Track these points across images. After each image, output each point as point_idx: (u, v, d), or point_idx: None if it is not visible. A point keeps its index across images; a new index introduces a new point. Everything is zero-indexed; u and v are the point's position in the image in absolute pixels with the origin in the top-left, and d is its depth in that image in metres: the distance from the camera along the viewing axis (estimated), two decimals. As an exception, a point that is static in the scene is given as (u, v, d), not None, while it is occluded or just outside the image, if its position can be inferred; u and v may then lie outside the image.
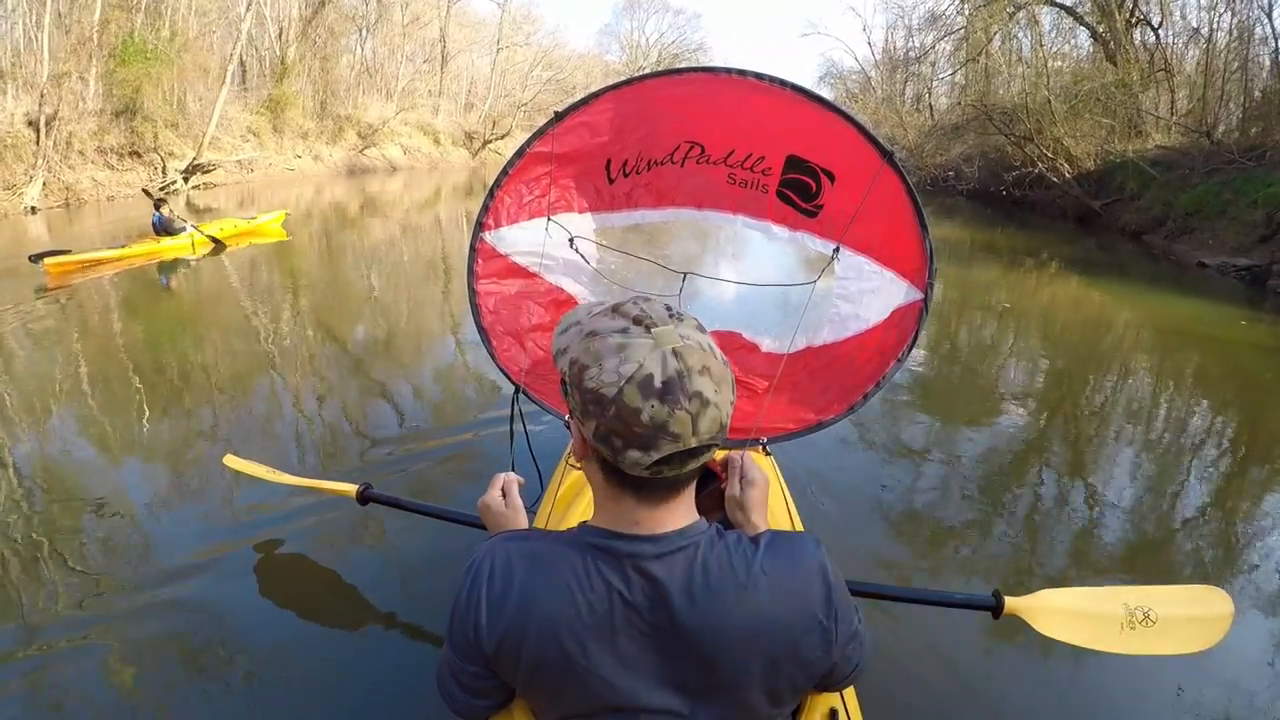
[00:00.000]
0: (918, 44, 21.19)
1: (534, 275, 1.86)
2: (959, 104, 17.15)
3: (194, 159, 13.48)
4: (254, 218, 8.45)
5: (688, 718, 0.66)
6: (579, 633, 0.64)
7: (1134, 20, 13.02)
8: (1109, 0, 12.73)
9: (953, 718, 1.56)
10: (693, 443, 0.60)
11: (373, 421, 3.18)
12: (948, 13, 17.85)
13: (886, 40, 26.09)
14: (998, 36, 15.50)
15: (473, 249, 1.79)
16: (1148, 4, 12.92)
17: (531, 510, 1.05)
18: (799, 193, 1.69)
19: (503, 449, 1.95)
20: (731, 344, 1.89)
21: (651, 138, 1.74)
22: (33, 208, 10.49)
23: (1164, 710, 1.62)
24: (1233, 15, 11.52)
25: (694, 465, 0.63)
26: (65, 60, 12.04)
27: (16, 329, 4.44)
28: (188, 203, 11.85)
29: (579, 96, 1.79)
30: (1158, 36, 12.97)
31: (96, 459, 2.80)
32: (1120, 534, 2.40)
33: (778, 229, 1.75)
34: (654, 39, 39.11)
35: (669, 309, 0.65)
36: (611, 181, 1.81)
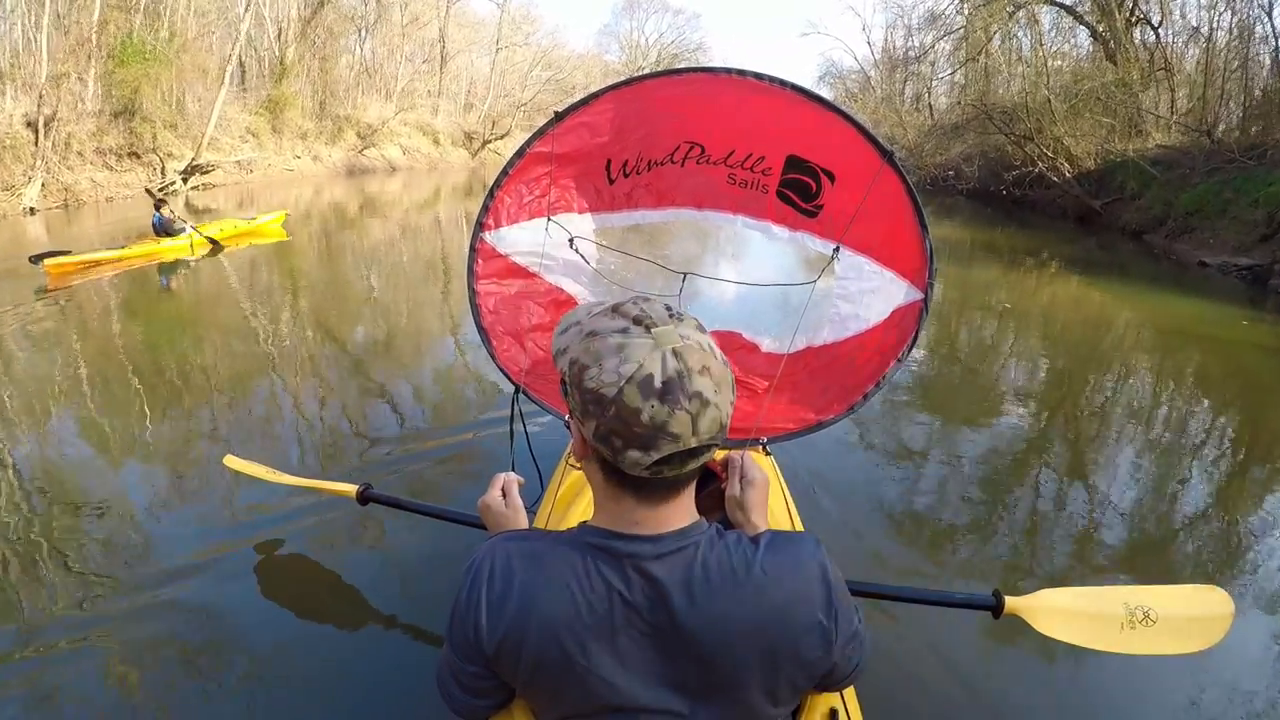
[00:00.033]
0: (917, 43, 21.24)
1: (534, 275, 1.86)
2: (959, 103, 17.16)
3: (193, 160, 13.48)
4: (254, 218, 8.45)
5: (688, 718, 0.66)
6: (579, 633, 0.64)
7: (1134, 19, 13.03)
8: (1109, -1, 12.74)
9: (953, 718, 1.56)
10: (693, 443, 0.60)
11: (373, 422, 3.18)
12: (947, 12, 17.87)
13: (886, 40, 26.14)
14: (997, 36, 15.50)
15: (473, 249, 1.79)
16: (1147, 3, 12.93)
17: (531, 510, 1.05)
18: (799, 193, 1.69)
19: (503, 449, 1.95)
20: (731, 344, 1.89)
21: (652, 138, 1.74)
22: (31, 209, 10.49)
23: (1164, 710, 1.62)
24: (1233, 14, 11.54)
25: (694, 465, 0.63)
26: (64, 61, 12.03)
27: (17, 330, 4.44)
28: (186, 203, 11.85)
29: (578, 96, 1.79)
30: (1158, 35, 12.98)
31: (97, 460, 2.80)
32: (1120, 534, 2.40)
33: (778, 229, 1.75)
34: (653, 39, 39.15)
35: (669, 309, 0.65)
36: (612, 182, 1.81)
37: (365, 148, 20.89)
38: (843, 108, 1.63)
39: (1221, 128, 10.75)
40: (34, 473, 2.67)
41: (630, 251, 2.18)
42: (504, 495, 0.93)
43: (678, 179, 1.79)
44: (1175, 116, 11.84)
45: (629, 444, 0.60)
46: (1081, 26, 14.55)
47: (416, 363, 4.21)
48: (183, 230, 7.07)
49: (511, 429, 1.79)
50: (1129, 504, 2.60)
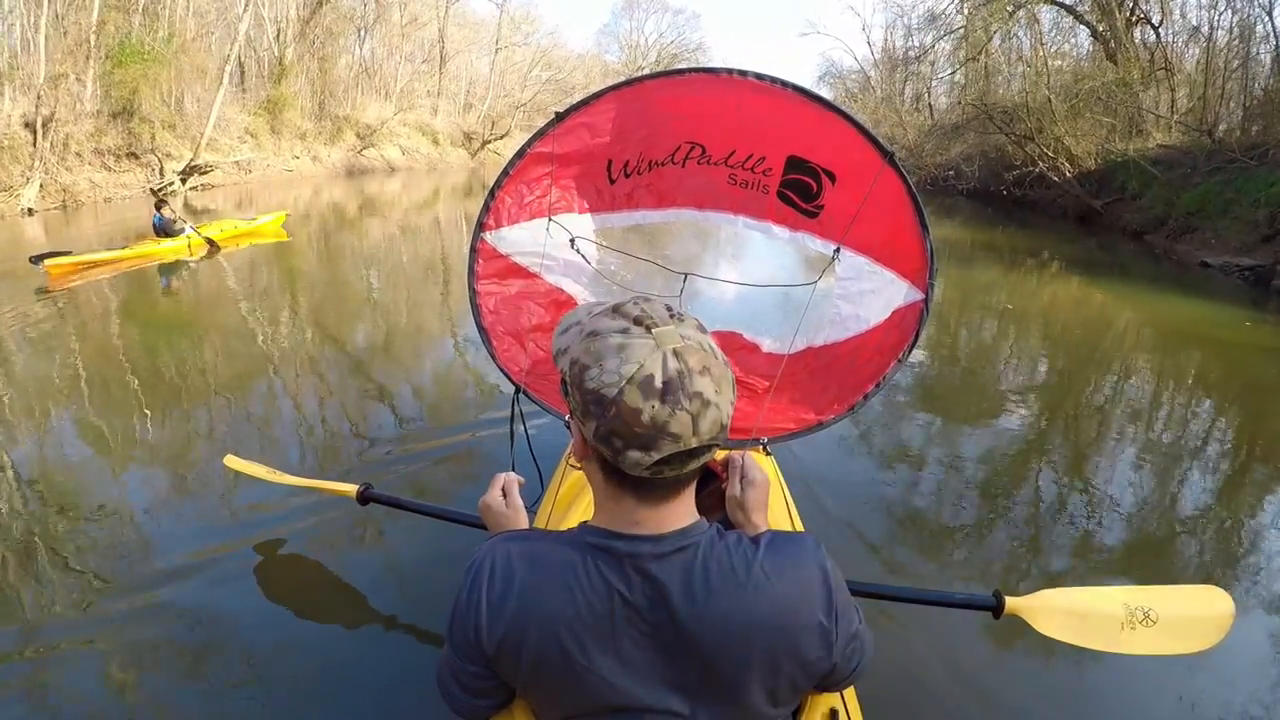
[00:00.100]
0: (917, 43, 21.22)
1: (534, 275, 1.86)
2: (959, 103, 17.15)
3: (191, 160, 13.47)
4: (254, 219, 8.45)
5: (688, 718, 0.66)
6: (579, 633, 0.64)
7: (1134, 19, 13.03)
8: (1109, -1, 12.73)
9: (953, 718, 1.56)
10: (693, 443, 0.60)
11: (373, 422, 3.18)
12: (947, 12, 17.86)
13: (886, 40, 26.12)
14: (997, 35, 15.50)
15: (473, 249, 1.79)
16: (1148, 2, 12.93)
17: (532, 510, 1.05)
18: (800, 193, 1.69)
19: (503, 449, 1.95)
20: (732, 344, 1.90)
21: (652, 138, 1.74)
22: (30, 209, 10.49)
23: (1164, 710, 1.62)
24: (1233, 13, 11.55)
25: (694, 465, 0.63)
26: (62, 61, 12.03)
27: (17, 330, 4.43)
28: (185, 204, 11.84)
29: (578, 97, 1.79)
30: (1158, 35, 12.98)
31: (97, 460, 2.80)
32: (1121, 534, 2.40)
33: (778, 230, 1.75)
34: (653, 39, 39.15)
35: (669, 309, 0.65)
36: (612, 182, 1.81)
37: (364, 148, 20.89)
38: (843, 108, 1.63)
39: (1223, 127, 10.75)
40: (34, 473, 2.67)
41: (631, 252, 2.18)
42: (504, 495, 0.93)
43: (679, 179, 1.80)
44: (1176, 116, 11.84)
45: (629, 444, 0.60)
46: (1082, 26, 14.55)
47: (416, 363, 4.20)
48: (183, 231, 7.06)
49: (512, 429, 1.79)
50: (1129, 504, 2.60)
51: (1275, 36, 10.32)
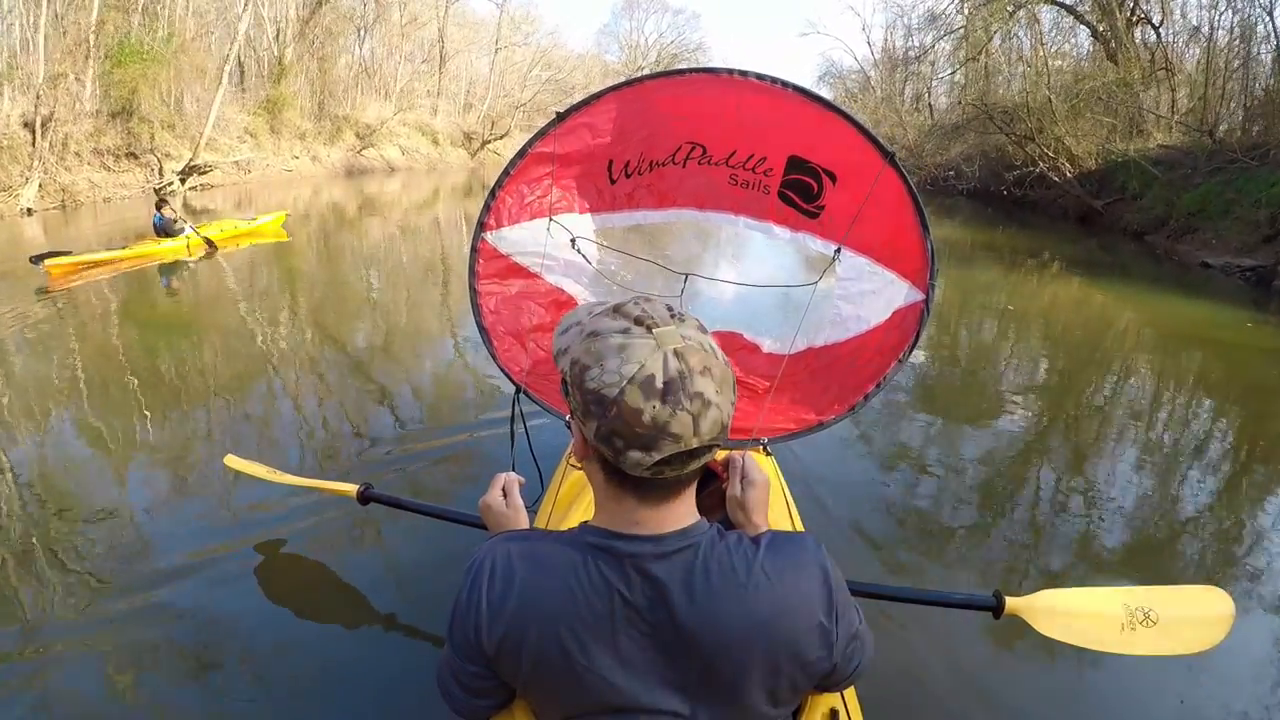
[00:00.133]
0: (917, 43, 21.22)
1: (535, 276, 1.86)
2: (959, 103, 17.15)
3: (190, 160, 13.47)
4: (254, 219, 8.45)
5: (688, 718, 0.66)
6: (579, 633, 0.64)
7: (1135, 19, 13.02)
8: (1109, -1, 12.73)
9: (953, 718, 1.56)
10: (694, 443, 0.60)
11: (373, 422, 3.18)
12: (947, 12, 17.86)
13: (886, 39, 26.08)
14: (997, 35, 15.50)
15: (474, 249, 1.79)
16: (1148, 2, 12.93)
17: (532, 510, 1.05)
18: (800, 193, 1.69)
19: (503, 449, 1.95)
20: (732, 344, 1.90)
21: (653, 138, 1.74)
22: (29, 209, 10.48)
23: (1164, 711, 1.62)
24: (1234, 13, 11.54)
25: (695, 466, 0.63)
26: (61, 61, 12.02)
27: (17, 330, 4.43)
28: (185, 204, 11.84)
29: (578, 97, 1.79)
30: (1158, 35, 12.98)
31: (97, 461, 2.79)
32: (1121, 534, 2.40)
33: (779, 230, 1.75)
34: (653, 39, 39.14)
35: (670, 309, 0.65)
36: (613, 182, 1.81)
37: (364, 148, 20.88)
38: (844, 108, 1.63)
39: (1223, 127, 10.75)
40: (34, 473, 2.67)
41: (631, 252, 2.18)
42: (505, 495, 0.93)
43: (679, 179, 1.80)
44: (1176, 116, 11.84)
45: (630, 444, 0.60)
46: (1082, 26, 14.55)
47: (417, 363, 4.20)
48: (183, 231, 7.06)
49: (512, 429, 1.79)
50: (1130, 504, 2.59)
51: (1276, 36, 10.33)
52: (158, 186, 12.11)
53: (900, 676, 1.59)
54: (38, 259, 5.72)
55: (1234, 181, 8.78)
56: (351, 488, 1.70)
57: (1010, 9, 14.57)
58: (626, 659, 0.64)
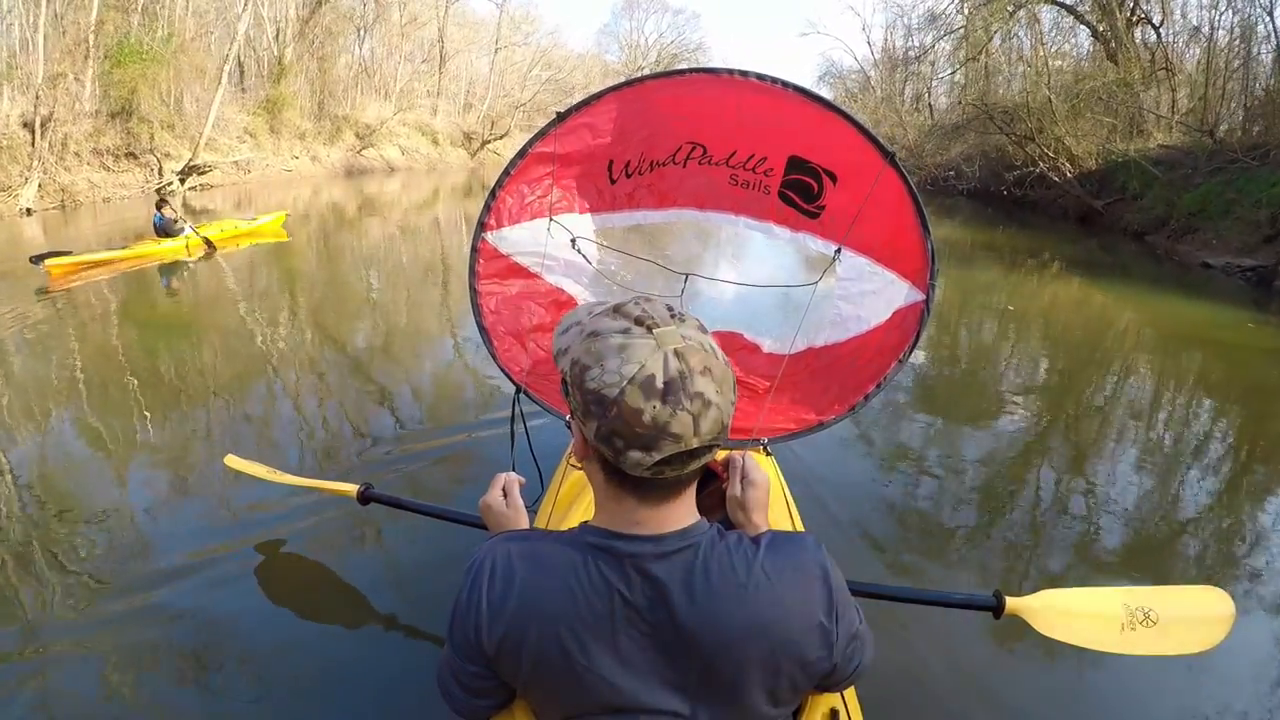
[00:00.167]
0: (917, 43, 21.22)
1: (535, 276, 1.86)
2: (959, 103, 17.15)
3: (190, 160, 13.47)
4: (254, 219, 8.45)
5: (688, 718, 0.66)
6: (579, 633, 0.64)
7: (1135, 19, 13.02)
8: (1109, -1, 12.73)
9: (954, 718, 1.56)
10: (694, 443, 0.60)
11: (373, 422, 3.18)
12: (947, 12, 17.85)
13: (886, 39, 26.08)
14: (997, 35, 15.49)
15: (474, 249, 1.79)
16: (1148, 2, 12.93)
17: (532, 510, 1.05)
18: (801, 193, 1.69)
19: (503, 449, 1.95)
20: (733, 344, 1.90)
21: (654, 138, 1.74)
22: (28, 209, 10.48)
23: (1164, 712, 1.62)
24: (1234, 13, 11.55)
25: (695, 466, 0.63)
26: (60, 61, 12.01)
27: (17, 330, 4.43)
28: (184, 204, 11.84)
29: (578, 97, 1.80)
30: (1159, 35, 12.97)
31: (97, 461, 2.79)
32: (1121, 534, 2.40)
33: (780, 230, 1.75)
34: (653, 39, 39.14)
35: (670, 309, 0.65)
36: (614, 182, 1.81)
37: (364, 148, 20.88)
38: (844, 109, 1.63)
39: (1224, 127, 10.74)
40: (34, 474, 2.67)
41: (631, 252, 2.18)
42: (505, 495, 0.93)
43: (680, 179, 1.80)
44: (1177, 116, 11.83)
45: (630, 444, 0.60)
46: (1082, 26, 14.55)
47: (416, 363, 4.20)
48: (183, 231, 7.06)
49: (513, 429, 1.79)
50: (1130, 505, 2.59)
51: (1276, 36, 10.33)
52: (159, 186, 12.11)
53: (900, 676, 1.59)
54: (38, 259, 5.71)
55: (1234, 181, 8.78)
56: (351, 488, 1.70)
57: (1010, 9, 14.57)
58: (626, 659, 0.64)
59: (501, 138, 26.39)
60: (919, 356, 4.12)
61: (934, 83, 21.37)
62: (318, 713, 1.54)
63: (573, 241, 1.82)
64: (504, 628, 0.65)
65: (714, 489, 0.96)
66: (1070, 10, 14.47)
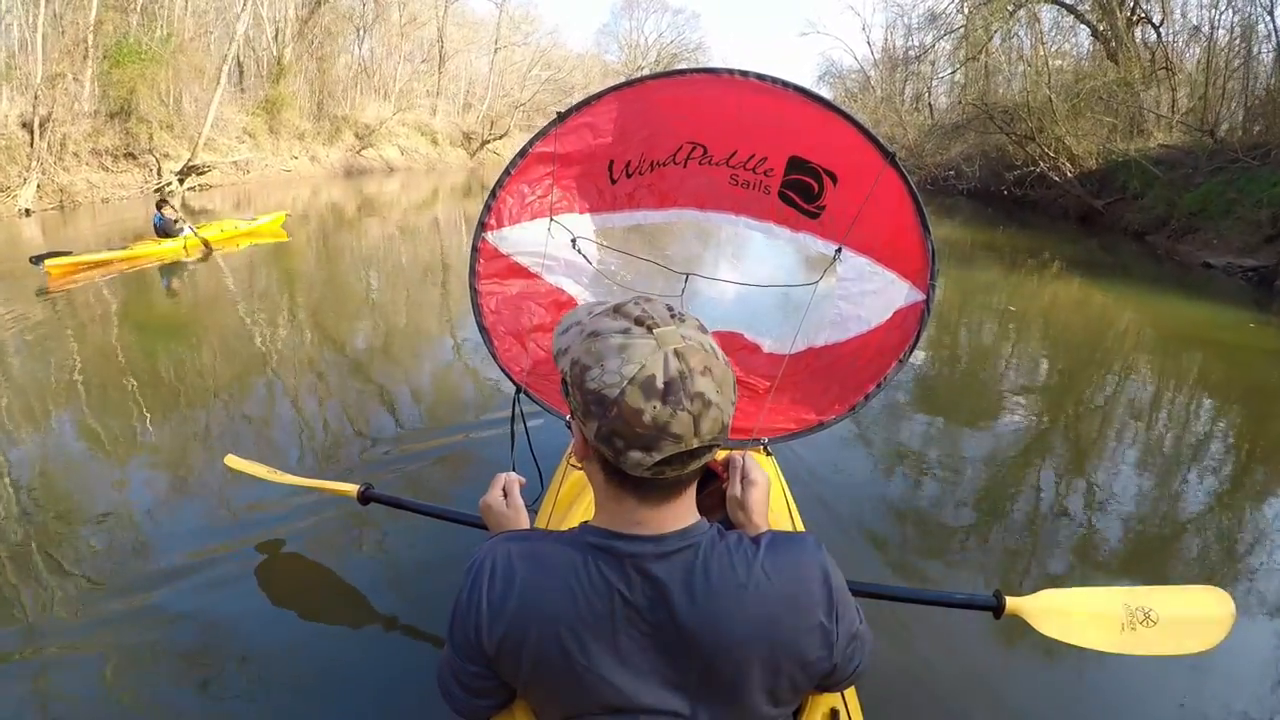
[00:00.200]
0: (917, 43, 21.20)
1: (535, 276, 1.86)
2: (959, 103, 17.15)
3: (189, 160, 13.45)
4: (254, 219, 8.45)
5: (688, 718, 0.66)
6: (580, 633, 0.64)
7: (1135, 18, 13.02)
8: (1109, -2, 12.73)
9: (954, 718, 1.56)
10: (695, 443, 0.60)
11: (373, 422, 3.18)
12: (947, 11, 17.84)
13: (886, 39, 26.06)
14: (998, 35, 15.49)
15: (475, 249, 1.79)
16: (1148, 2, 12.93)
17: (532, 510, 1.05)
18: (801, 194, 1.69)
19: (503, 449, 1.95)
20: (733, 345, 1.90)
21: (654, 139, 1.74)
22: (27, 210, 10.47)
23: (1164, 712, 1.62)
24: (1234, 12, 11.55)
25: (696, 466, 0.63)
26: (59, 61, 12.00)
27: (17, 331, 4.43)
28: (183, 204, 11.84)
29: (578, 97, 1.80)
30: (1159, 34, 12.97)
31: (97, 462, 2.79)
32: (1122, 534, 2.40)
33: (780, 230, 1.75)
34: (652, 38, 39.12)
35: (670, 309, 0.65)
36: (614, 182, 1.81)
37: (363, 148, 20.87)
38: (845, 109, 1.63)
39: (1224, 127, 10.74)
40: (34, 475, 2.67)
41: (632, 252, 2.18)
42: (505, 495, 0.93)
43: (680, 179, 1.80)
44: (1177, 116, 11.83)
45: (631, 445, 0.60)
46: (1082, 25, 14.55)
47: (416, 363, 4.20)
48: (183, 231, 7.06)
49: (513, 429, 1.79)
50: (1131, 505, 2.60)
51: (1276, 35, 10.33)
52: (158, 187, 12.10)
53: (900, 676, 1.59)
54: (38, 259, 5.71)
55: (1235, 181, 8.77)
56: (352, 488, 1.70)
57: (1010, 8, 14.57)
58: (627, 659, 0.64)
59: (501, 138, 26.37)
60: (919, 356, 4.12)
61: (934, 82, 21.39)
62: (318, 713, 1.54)
63: (573, 241, 1.82)
64: (504, 628, 0.65)
65: (714, 489, 0.96)
66: (1070, 9, 14.47)
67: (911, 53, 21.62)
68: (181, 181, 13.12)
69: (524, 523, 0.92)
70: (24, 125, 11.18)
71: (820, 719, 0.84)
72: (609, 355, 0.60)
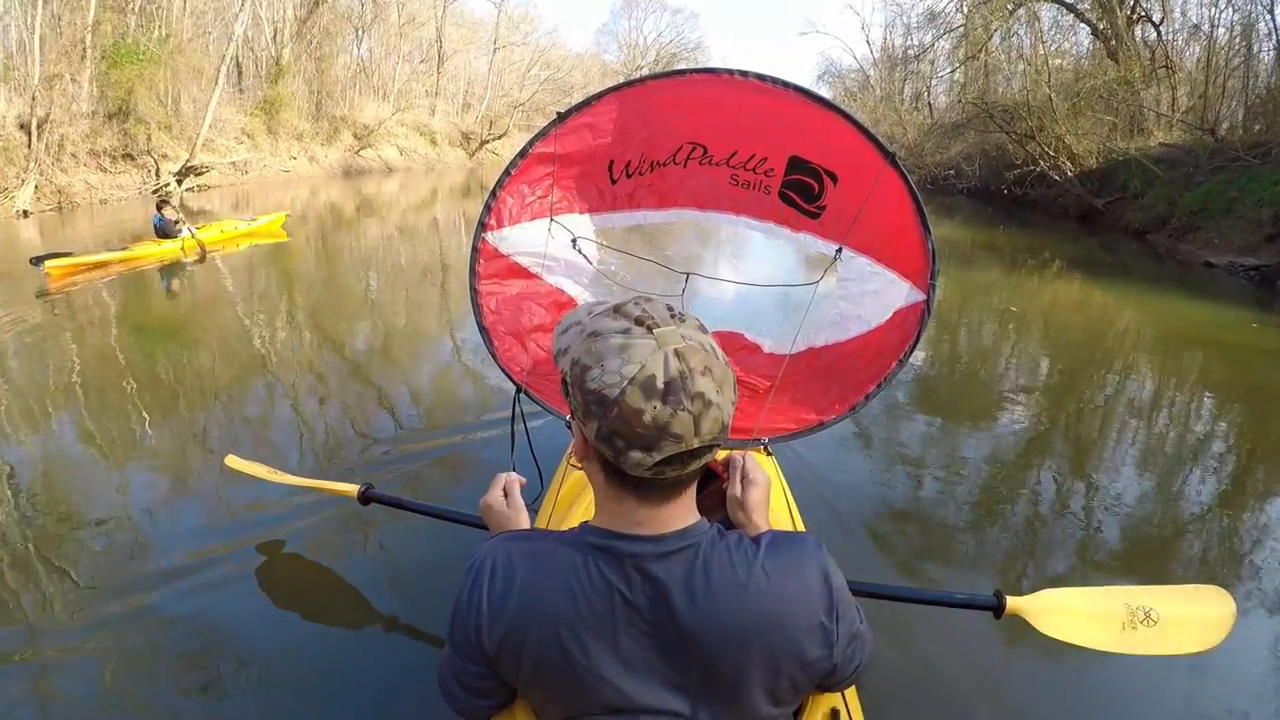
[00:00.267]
0: (916, 42, 21.21)
1: (535, 276, 1.86)
2: (959, 102, 17.15)
3: (187, 161, 13.44)
4: (253, 219, 8.44)
5: (689, 718, 0.66)
6: (580, 632, 0.64)
7: (1135, 16, 13.01)
8: (1109, -3, 12.73)
9: (954, 718, 1.56)
10: (695, 443, 0.60)
11: (373, 422, 3.18)
12: (947, 10, 17.84)
13: (885, 38, 26.10)
14: (997, 34, 15.49)
15: (475, 249, 1.79)
16: (1148, 0, 12.92)
17: (533, 510, 1.05)
18: (801, 194, 1.69)
19: (503, 449, 1.95)
20: (733, 344, 1.90)
21: (654, 139, 1.74)
22: (25, 211, 10.45)
23: (1165, 712, 1.62)
24: (1234, 11, 11.54)
25: (696, 466, 0.63)
26: (57, 62, 11.99)
27: (17, 332, 4.43)
28: (182, 204, 11.83)
29: (577, 97, 1.80)
30: (1159, 33, 12.96)
31: (97, 463, 2.79)
32: (1122, 534, 2.40)
33: (780, 230, 1.75)
34: (652, 38, 39.10)
35: (671, 309, 0.65)
36: (614, 182, 1.81)
37: (362, 148, 20.86)
38: (844, 108, 1.63)
39: (1225, 125, 10.73)
40: (33, 476, 2.67)
41: (632, 252, 2.18)
42: (505, 495, 0.93)
43: (680, 179, 1.80)
44: (1178, 114, 11.81)
45: (631, 445, 0.60)
46: (1082, 24, 14.54)
47: (416, 363, 4.20)
48: (183, 232, 7.06)
49: (513, 429, 1.79)
50: (1131, 504, 2.59)
51: (1277, 34, 10.33)
52: (156, 188, 12.10)
53: (901, 676, 1.59)
54: (38, 260, 5.70)
55: (1236, 180, 8.75)
56: (352, 488, 1.70)
57: (1010, 7, 14.57)
58: (627, 659, 0.64)
59: (500, 138, 26.35)
60: (919, 356, 4.12)
61: (933, 81, 21.39)
62: (318, 713, 1.54)
63: (573, 242, 1.82)
64: (504, 628, 0.65)
65: (714, 489, 0.96)
66: (1070, 8, 14.46)
67: (911, 52, 21.64)
68: (180, 182, 13.11)
69: (524, 523, 0.92)
70: (21, 126, 11.16)
71: (821, 719, 0.84)
72: (609, 355, 0.60)
